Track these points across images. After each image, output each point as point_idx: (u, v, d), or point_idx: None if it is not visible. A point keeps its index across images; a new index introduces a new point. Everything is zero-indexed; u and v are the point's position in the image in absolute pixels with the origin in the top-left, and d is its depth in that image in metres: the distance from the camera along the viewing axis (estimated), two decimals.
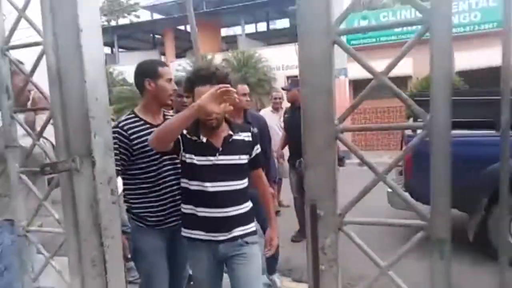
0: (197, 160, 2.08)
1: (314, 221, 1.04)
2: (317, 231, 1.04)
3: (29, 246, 1.71)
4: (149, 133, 2.15)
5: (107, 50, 23.64)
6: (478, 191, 4.03)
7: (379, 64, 1.11)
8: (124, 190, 2.41)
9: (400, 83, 12.98)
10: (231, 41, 23.03)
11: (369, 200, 1.33)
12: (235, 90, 1.93)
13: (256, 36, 23.69)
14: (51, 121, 1.50)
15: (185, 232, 2.17)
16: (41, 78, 1.58)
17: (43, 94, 1.64)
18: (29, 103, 2.17)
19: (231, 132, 2.15)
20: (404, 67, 13.59)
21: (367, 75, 1.01)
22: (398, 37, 13.40)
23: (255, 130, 2.30)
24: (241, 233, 2.14)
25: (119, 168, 2.17)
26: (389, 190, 4.62)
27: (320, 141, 1.04)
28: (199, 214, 2.09)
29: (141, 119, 2.33)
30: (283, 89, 5.13)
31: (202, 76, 2.08)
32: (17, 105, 1.72)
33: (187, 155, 2.09)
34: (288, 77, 16.12)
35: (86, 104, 1.45)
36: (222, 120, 2.14)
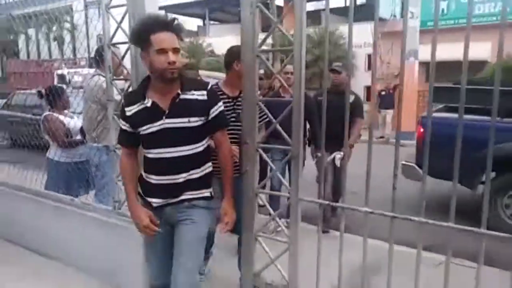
0: (143, 130, 1.99)
1: (242, 145, 2.13)
2: (243, 150, 2.13)
3: (116, 159, 2.97)
4: (224, 102, 2.39)
5: (199, 22, 25.43)
6: (477, 170, 4.72)
7: (453, 47, 1.67)
8: None
9: (478, 67, 12.84)
10: (315, 16, 23.44)
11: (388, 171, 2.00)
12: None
13: (341, 12, 23.81)
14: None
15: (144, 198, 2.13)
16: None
17: (127, 70, 2.85)
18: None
19: (179, 91, 1.96)
20: (482, 52, 13.35)
21: (442, 57, 1.64)
22: (478, 19, 13.18)
23: (214, 87, 2.09)
24: (189, 197, 2.05)
25: None
26: (404, 162, 5.49)
27: (249, 107, 2.11)
28: (152, 181, 2.06)
29: (220, 90, 2.79)
30: (332, 70, 4.44)
31: (161, 22, 1.92)
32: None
33: (138, 130, 2.01)
34: (369, 55, 16.38)
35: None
36: (180, 72, 1.95)
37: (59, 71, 15.30)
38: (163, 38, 1.86)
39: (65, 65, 16.32)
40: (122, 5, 2.72)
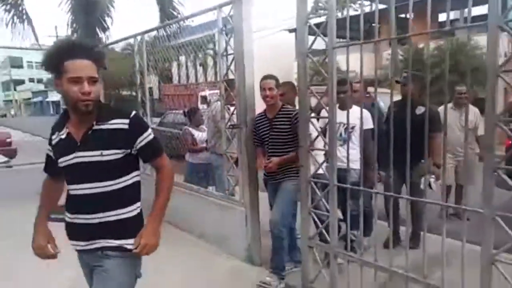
0: (60, 161, 1.86)
1: (298, 151, 3.12)
2: (299, 151, 3.11)
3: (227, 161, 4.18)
4: (264, 123, 3.60)
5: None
6: None
7: None
8: None
9: None
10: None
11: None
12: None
13: (477, 20, 22.32)
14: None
15: None
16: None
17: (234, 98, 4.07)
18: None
19: (94, 122, 1.80)
20: None
21: None
22: None
23: (138, 115, 1.91)
24: (105, 245, 1.84)
25: (257, 143, 3.80)
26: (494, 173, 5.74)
27: (303, 122, 3.09)
28: (68, 219, 1.92)
29: (264, 115, 3.71)
30: (397, 82, 4.32)
31: (78, 47, 1.77)
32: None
33: (58, 161, 1.89)
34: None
35: (246, 98, 3.81)
36: (96, 103, 1.79)
37: (202, 93, 17.80)
38: (78, 66, 1.70)
39: (207, 87, 18.85)
40: (231, 54, 3.97)
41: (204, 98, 17.72)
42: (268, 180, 3.77)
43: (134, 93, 6.16)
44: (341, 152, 3.37)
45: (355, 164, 3.24)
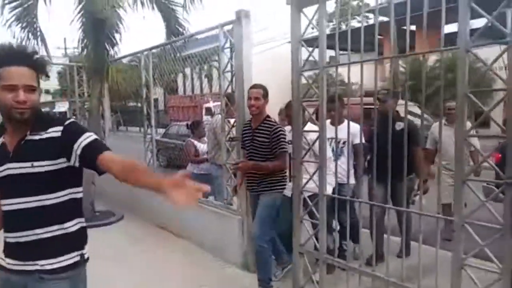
0: None
1: (291, 159, 3.31)
2: (291, 163, 3.31)
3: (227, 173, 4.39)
4: (248, 132, 3.71)
5: (331, 52, 26.69)
6: None
7: None
8: None
9: None
10: (453, 39, 22.43)
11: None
12: None
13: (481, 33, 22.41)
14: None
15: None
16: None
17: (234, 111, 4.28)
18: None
19: (28, 132, 1.71)
20: None
21: None
22: None
23: (73, 121, 1.80)
24: (36, 268, 1.72)
25: (243, 148, 3.93)
26: (484, 185, 5.90)
27: (297, 136, 3.29)
28: (4, 239, 1.79)
29: (249, 123, 3.82)
30: (378, 99, 4.20)
31: (16, 54, 1.69)
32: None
33: None
34: None
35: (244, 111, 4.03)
36: (33, 113, 1.70)
37: (207, 105, 18.09)
38: (13, 73, 1.63)
39: (212, 99, 19.17)
40: (231, 71, 4.21)
41: (208, 110, 18.06)
42: (249, 191, 3.90)
43: (139, 105, 6.42)
44: (333, 166, 3.56)
45: (349, 179, 3.44)
